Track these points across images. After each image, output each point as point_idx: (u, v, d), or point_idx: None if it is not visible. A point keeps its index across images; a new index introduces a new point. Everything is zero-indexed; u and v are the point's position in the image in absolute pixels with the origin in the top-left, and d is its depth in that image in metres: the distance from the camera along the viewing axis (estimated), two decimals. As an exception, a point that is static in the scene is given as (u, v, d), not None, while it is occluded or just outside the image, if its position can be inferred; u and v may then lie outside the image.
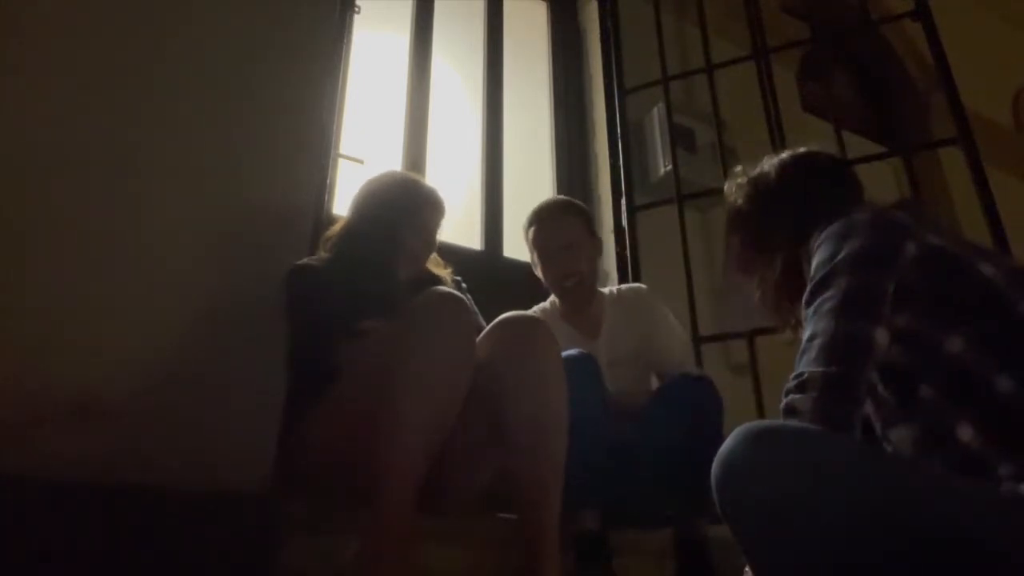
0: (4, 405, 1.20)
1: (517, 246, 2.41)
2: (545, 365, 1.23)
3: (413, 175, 1.70)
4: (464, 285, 1.66)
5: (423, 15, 2.53)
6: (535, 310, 1.85)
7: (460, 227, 2.29)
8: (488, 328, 1.32)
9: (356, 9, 2.26)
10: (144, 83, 1.55)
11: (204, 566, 1.14)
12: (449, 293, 1.17)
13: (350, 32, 2.22)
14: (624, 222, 2.38)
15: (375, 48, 2.39)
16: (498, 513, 1.38)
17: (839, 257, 0.86)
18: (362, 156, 2.12)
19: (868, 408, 0.89)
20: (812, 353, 0.82)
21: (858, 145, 2.95)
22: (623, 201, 2.42)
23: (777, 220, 1.06)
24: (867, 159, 2.22)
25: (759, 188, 1.11)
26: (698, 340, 2.12)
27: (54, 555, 1.08)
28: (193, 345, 1.41)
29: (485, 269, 2.24)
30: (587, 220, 1.83)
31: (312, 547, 1.17)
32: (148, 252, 1.44)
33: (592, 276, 1.80)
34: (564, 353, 1.38)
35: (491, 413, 1.21)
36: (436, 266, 1.64)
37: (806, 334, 0.85)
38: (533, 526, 1.11)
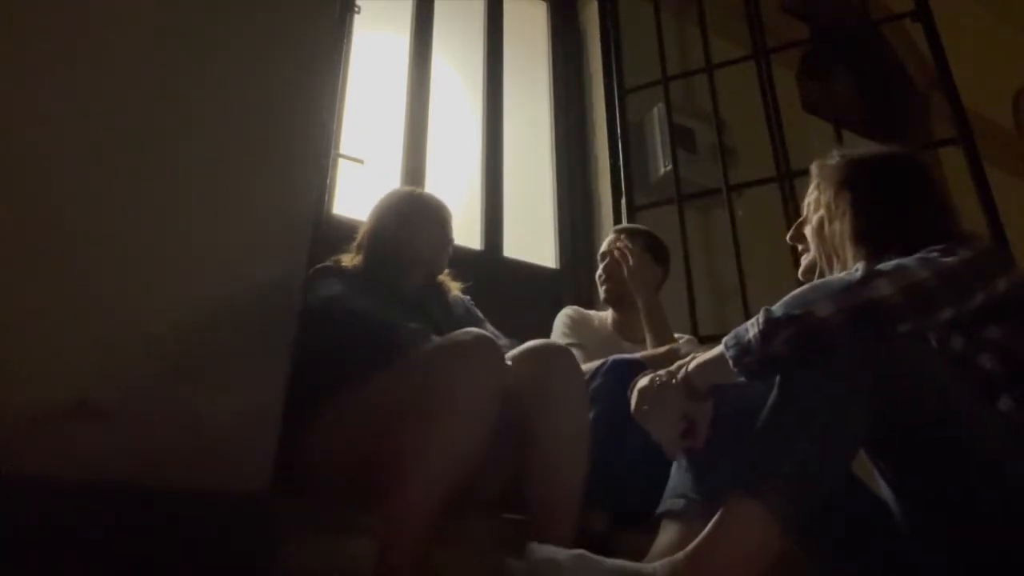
0: (3, 404, 1.20)
1: (517, 246, 2.41)
2: (563, 397, 1.24)
3: (417, 189, 1.78)
4: (472, 303, 1.68)
5: (423, 15, 2.52)
6: (592, 315, 1.92)
7: (460, 227, 2.28)
8: (514, 353, 1.33)
9: (356, 9, 2.25)
10: (140, 85, 1.55)
11: (204, 566, 1.14)
12: (481, 337, 1.18)
13: (350, 32, 2.22)
14: (624, 222, 2.38)
15: (375, 48, 2.39)
16: (502, 513, 1.37)
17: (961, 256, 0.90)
18: (362, 156, 2.12)
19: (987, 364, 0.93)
20: (904, 271, 0.86)
21: (858, 145, 2.94)
22: (623, 201, 2.42)
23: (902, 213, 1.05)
24: (867, 159, 2.21)
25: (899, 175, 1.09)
26: (698, 340, 2.12)
27: (53, 554, 1.07)
28: (193, 345, 1.41)
29: (485, 269, 2.23)
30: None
31: (312, 547, 1.17)
32: (148, 252, 1.43)
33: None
34: (612, 357, 1.46)
35: (506, 436, 1.22)
36: (452, 284, 1.68)
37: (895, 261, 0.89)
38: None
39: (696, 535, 0.85)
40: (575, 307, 1.91)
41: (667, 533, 1.01)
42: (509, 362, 1.31)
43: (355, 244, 1.62)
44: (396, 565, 1.01)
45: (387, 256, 1.56)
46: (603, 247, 1.90)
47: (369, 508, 1.06)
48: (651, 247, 1.84)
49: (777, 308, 0.86)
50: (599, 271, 1.89)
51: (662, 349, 1.66)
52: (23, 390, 1.23)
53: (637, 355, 1.59)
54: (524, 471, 1.22)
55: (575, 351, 1.47)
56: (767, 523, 0.79)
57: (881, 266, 0.87)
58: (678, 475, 1.05)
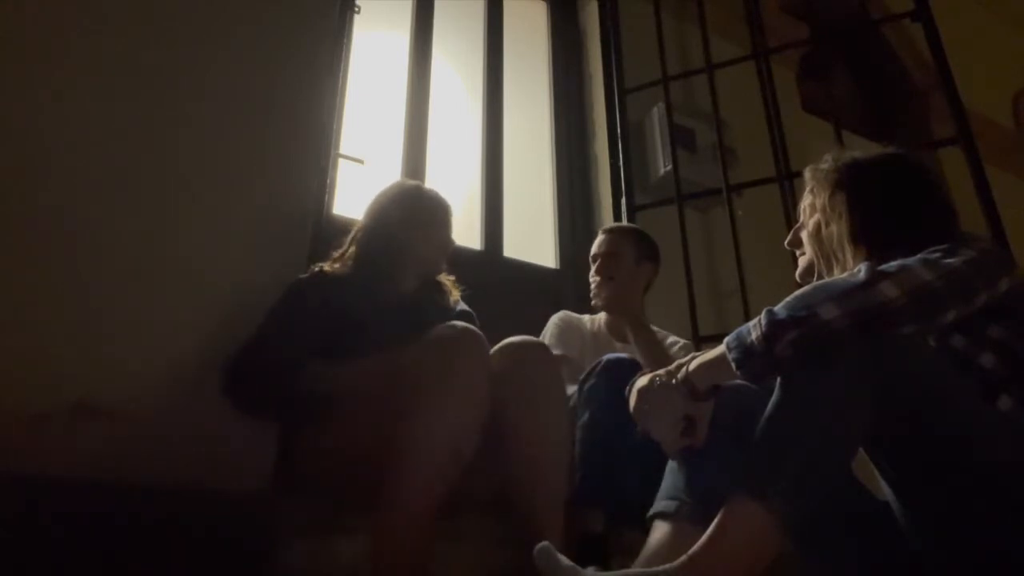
0: (6, 405, 1.20)
1: (517, 246, 2.41)
2: (539, 392, 1.24)
3: (419, 184, 1.71)
4: (473, 313, 1.65)
5: (423, 15, 2.52)
6: (584, 318, 1.90)
7: (460, 227, 2.28)
8: (493, 349, 1.33)
9: (356, 9, 2.25)
10: (143, 86, 1.55)
11: (204, 566, 1.14)
12: (467, 330, 1.18)
13: (350, 32, 2.22)
14: (624, 222, 2.38)
15: (375, 48, 2.39)
16: (500, 513, 1.37)
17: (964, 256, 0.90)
18: (362, 156, 2.12)
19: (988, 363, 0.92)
20: (909, 273, 0.85)
21: (858, 145, 2.94)
22: (623, 201, 2.41)
23: (898, 213, 1.05)
24: (867, 159, 2.21)
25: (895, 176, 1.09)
26: (698, 340, 2.12)
27: (54, 554, 1.07)
28: (194, 345, 1.41)
29: (485, 269, 2.24)
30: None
31: (312, 547, 1.17)
32: (149, 253, 1.44)
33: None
34: (606, 356, 1.45)
35: (494, 435, 1.22)
36: (453, 288, 1.65)
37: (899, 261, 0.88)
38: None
39: (688, 536, 0.85)
40: (565, 313, 1.90)
41: (658, 534, 1.01)
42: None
43: (348, 239, 1.56)
44: (391, 564, 1.00)
45: (383, 256, 1.50)
46: (594, 248, 1.89)
47: (367, 508, 1.05)
48: (641, 246, 1.83)
49: (780, 310, 0.85)
50: (592, 273, 1.88)
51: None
52: (26, 391, 1.23)
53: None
54: (508, 469, 1.22)
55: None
56: (768, 525, 0.79)
57: (884, 267, 0.87)
58: (671, 476, 1.05)
